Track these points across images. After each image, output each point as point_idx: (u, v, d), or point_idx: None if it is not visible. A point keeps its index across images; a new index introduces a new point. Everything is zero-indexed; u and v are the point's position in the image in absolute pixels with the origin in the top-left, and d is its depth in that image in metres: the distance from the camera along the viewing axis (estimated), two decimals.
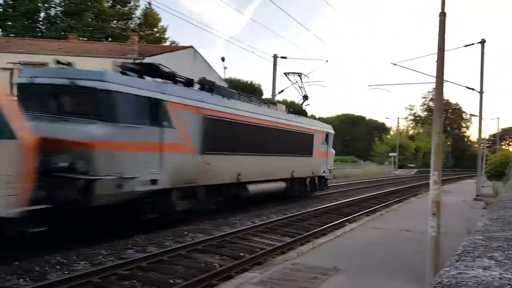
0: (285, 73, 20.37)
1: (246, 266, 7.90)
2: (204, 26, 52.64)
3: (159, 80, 10.95)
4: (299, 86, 20.45)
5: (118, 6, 47.46)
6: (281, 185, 16.82)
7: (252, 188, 14.41)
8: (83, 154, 8.51)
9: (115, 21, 46.95)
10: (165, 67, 11.56)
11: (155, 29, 49.29)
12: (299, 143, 18.04)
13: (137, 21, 48.44)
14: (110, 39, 41.94)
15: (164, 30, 49.79)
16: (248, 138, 14.10)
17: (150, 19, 47.81)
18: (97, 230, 9.42)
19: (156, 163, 10.09)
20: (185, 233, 10.71)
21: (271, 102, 18.28)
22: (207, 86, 12.83)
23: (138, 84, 10.04)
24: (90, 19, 42.13)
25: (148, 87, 10.19)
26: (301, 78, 20.19)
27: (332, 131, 22.27)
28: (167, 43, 48.36)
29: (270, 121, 15.57)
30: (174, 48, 34.08)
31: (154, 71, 11.14)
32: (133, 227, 10.07)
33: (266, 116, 15.45)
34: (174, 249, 8.65)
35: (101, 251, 8.50)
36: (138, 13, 48.78)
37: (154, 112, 10.04)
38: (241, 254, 8.90)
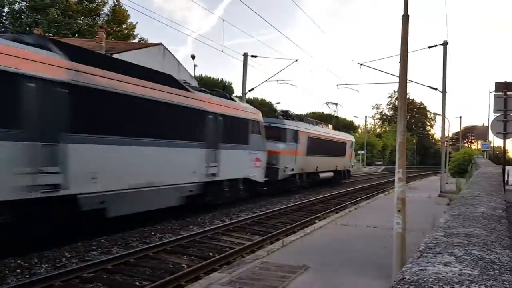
0: (326, 103, 32.28)
1: (215, 266, 7.84)
2: (174, 24, 52.01)
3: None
4: (334, 110, 32.98)
5: (86, 2, 46.26)
6: (331, 174, 27.27)
7: (321, 175, 25.24)
8: (275, 156, 19.32)
9: (82, 17, 45.72)
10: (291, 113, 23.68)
11: (124, 26, 48.30)
12: (339, 148, 29.11)
13: (105, 18, 47.34)
14: (77, 35, 40.79)
15: (133, 27, 48.90)
16: (320, 146, 24.49)
17: (118, 15, 46.81)
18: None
19: (293, 160, 20.93)
20: (152, 233, 10.54)
21: (325, 123, 29.39)
22: (304, 119, 25.05)
23: (291, 123, 21.42)
24: (56, 15, 40.83)
25: (294, 124, 21.65)
26: (337, 106, 32.50)
27: (354, 140, 35.16)
28: (136, 40, 47.53)
29: (327, 135, 26.47)
30: (143, 45, 33.42)
31: (291, 114, 22.97)
32: (97, 229, 9.82)
33: (325, 133, 26.54)
34: (141, 250, 8.48)
35: (64, 253, 8.24)
36: (106, 9, 47.74)
37: (295, 136, 21.18)
38: (210, 254, 8.82)
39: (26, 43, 8.28)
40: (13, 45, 7.88)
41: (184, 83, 13.28)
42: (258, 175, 16.75)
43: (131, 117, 10.29)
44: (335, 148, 27.84)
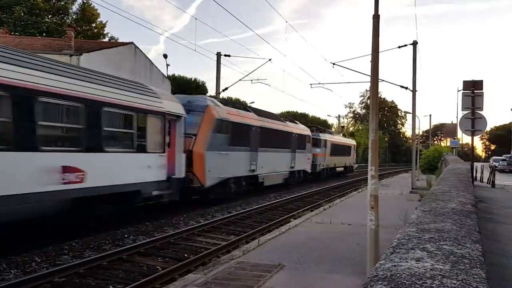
0: (335, 116, 48.95)
1: (190, 267, 7.76)
2: (145, 23, 51.26)
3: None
4: (341, 125, 53.88)
5: (53, 0, 45.04)
6: (342, 169, 38.18)
7: (337, 169, 36.10)
8: (315, 157, 30.12)
9: (50, 16, 44.47)
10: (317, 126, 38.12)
11: (93, 25, 47.26)
12: (348, 150, 40.62)
13: (74, 16, 46.20)
14: (44, 34, 39.60)
15: (103, 25, 47.87)
16: (337, 149, 34.95)
17: (87, 14, 45.79)
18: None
19: (324, 160, 32.08)
20: (125, 235, 10.35)
21: (337, 132, 44.17)
22: (326, 130, 37.56)
23: (322, 135, 32.77)
24: (22, 13, 39.54)
25: (323, 135, 32.91)
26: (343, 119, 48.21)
27: (356, 143, 47.08)
28: (106, 39, 46.60)
29: (340, 141, 37.82)
30: (113, 44, 32.73)
31: (321, 128, 35.42)
32: (70, 233, 9.58)
33: (339, 139, 37.99)
34: (114, 253, 8.32)
35: (34, 258, 8.00)
36: (74, 8, 46.62)
37: (325, 144, 32.29)
38: (185, 255, 8.73)
39: (243, 109, 19.32)
40: (245, 112, 18.78)
41: (281, 117, 25.10)
42: (308, 168, 27.93)
43: (270, 138, 20.67)
44: (345, 150, 39.19)
